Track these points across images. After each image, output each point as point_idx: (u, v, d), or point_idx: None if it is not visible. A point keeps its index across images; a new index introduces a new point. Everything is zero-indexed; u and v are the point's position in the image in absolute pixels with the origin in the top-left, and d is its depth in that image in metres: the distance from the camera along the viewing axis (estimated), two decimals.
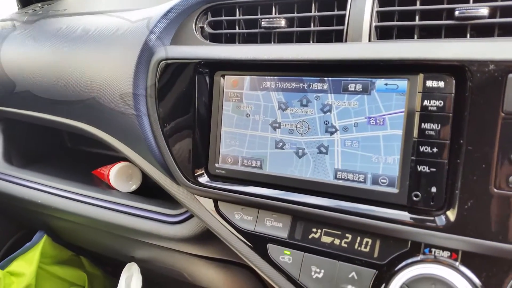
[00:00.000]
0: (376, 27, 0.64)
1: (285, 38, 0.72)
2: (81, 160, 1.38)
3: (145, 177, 1.14)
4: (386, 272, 0.63)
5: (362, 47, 0.62)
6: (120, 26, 0.89)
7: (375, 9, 0.64)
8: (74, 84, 0.92)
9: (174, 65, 0.76)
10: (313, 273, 0.69)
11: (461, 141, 0.56)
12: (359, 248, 0.66)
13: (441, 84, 0.57)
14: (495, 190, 0.54)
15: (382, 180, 0.62)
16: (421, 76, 0.58)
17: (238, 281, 1.07)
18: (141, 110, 0.82)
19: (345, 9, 0.66)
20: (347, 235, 0.67)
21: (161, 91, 0.78)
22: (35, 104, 1.05)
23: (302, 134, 0.68)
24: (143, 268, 1.17)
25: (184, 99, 0.76)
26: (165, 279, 1.30)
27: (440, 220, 0.58)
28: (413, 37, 0.62)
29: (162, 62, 0.77)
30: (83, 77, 0.91)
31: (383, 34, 0.65)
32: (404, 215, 0.60)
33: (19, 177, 1.20)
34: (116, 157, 1.18)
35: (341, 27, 0.66)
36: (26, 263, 1.27)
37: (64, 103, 0.97)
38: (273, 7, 0.73)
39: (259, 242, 0.74)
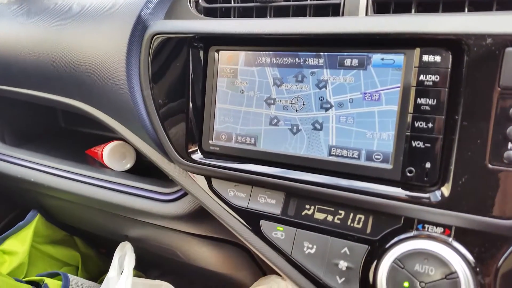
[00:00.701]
0: (373, 1, 0.63)
1: (281, 12, 0.71)
2: (75, 140, 1.38)
3: (140, 156, 1.13)
4: (378, 248, 0.63)
5: (359, 21, 0.61)
6: (113, 1, 0.87)
7: None
8: (67, 60, 0.91)
9: (168, 40, 0.75)
10: (305, 249, 0.68)
11: (457, 117, 0.55)
12: (351, 224, 0.66)
13: (438, 58, 0.56)
14: (490, 165, 0.54)
15: (376, 156, 0.62)
16: (417, 51, 0.57)
17: (232, 259, 1.07)
18: (134, 85, 0.81)
19: None
20: (340, 211, 0.67)
21: (154, 66, 0.77)
22: (28, 82, 1.04)
23: (296, 110, 0.67)
24: (136, 247, 1.17)
25: (178, 75, 0.75)
26: (159, 258, 1.31)
27: (434, 196, 0.57)
28: (410, 12, 0.61)
29: (155, 36, 0.76)
30: (76, 53, 0.90)
31: (380, 8, 0.64)
32: (398, 191, 0.60)
33: (12, 155, 1.20)
34: (111, 138, 1.17)
35: (337, 1, 0.65)
36: (19, 242, 1.27)
37: (57, 80, 0.96)
38: None
39: (252, 219, 0.74)
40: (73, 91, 0.94)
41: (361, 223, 0.65)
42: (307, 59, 0.66)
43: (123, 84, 0.81)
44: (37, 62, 0.98)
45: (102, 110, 0.91)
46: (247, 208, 0.74)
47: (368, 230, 0.64)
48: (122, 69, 0.81)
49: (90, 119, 0.95)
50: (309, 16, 0.68)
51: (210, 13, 0.77)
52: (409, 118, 0.58)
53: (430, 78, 0.57)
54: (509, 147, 0.53)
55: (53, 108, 1.34)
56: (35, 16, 1.01)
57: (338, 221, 0.67)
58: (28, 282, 1.11)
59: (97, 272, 1.48)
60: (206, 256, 1.09)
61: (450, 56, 0.56)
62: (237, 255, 1.06)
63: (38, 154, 1.17)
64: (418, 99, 0.58)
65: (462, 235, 0.58)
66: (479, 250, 0.57)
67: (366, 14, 0.63)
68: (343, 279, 0.66)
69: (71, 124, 1.46)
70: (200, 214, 0.90)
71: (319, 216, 0.68)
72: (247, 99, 0.71)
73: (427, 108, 0.57)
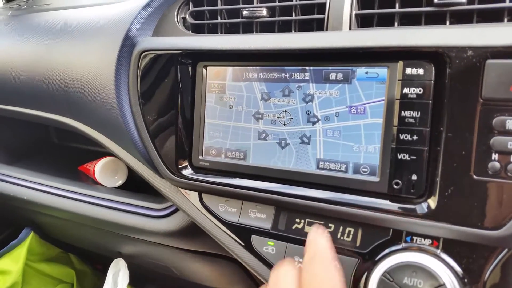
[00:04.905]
0: (356, 15, 0.64)
1: (267, 27, 0.72)
2: (69, 156, 1.37)
3: (132, 171, 1.13)
4: (368, 261, 0.63)
5: (342, 35, 0.62)
6: (102, 19, 0.88)
7: None
8: (57, 78, 0.91)
9: (156, 56, 0.75)
10: (296, 264, 0.68)
11: (441, 128, 0.56)
12: (341, 238, 0.66)
13: (421, 71, 0.57)
14: (475, 176, 0.54)
15: (363, 169, 0.62)
16: (400, 64, 0.58)
17: (225, 274, 1.06)
18: (123, 102, 0.81)
19: None
20: (329, 224, 0.67)
21: (143, 83, 0.77)
22: (19, 100, 1.04)
23: (284, 124, 0.68)
24: (130, 264, 1.16)
25: (167, 91, 0.76)
26: (153, 274, 1.30)
27: (421, 208, 0.58)
28: (393, 25, 0.62)
29: (143, 53, 0.76)
30: (66, 70, 0.90)
31: (363, 22, 0.64)
32: (385, 204, 0.60)
33: (4, 173, 1.19)
34: (104, 153, 1.17)
35: (321, 16, 0.66)
36: (12, 261, 1.26)
37: (48, 97, 0.96)
38: None
39: (243, 234, 0.74)
40: (63, 108, 0.94)
41: (350, 236, 0.65)
42: (293, 73, 0.66)
43: (113, 101, 0.82)
44: (28, 80, 0.98)
45: (92, 127, 0.91)
46: (238, 223, 0.74)
47: (358, 243, 0.64)
48: (111, 86, 0.81)
49: (82, 135, 0.96)
50: (294, 31, 0.69)
51: (197, 29, 0.78)
52: (394, 131, 0.59)
53: (414, 90, 0.57)
54: (493, 158, 0.53)
55: (46, 125, 1.34)
56: (25, 33, 1.01)
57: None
58: None
59: None
60: (200, 271, 1.08)
61: (433, 68, 0.56)
62: (231, 270, 1.05)
63: (31, 171, 1.17)
64: (403, 111, 0.58)
65: (450, 246, 0.58)
66: (467, 261, 0.57)
67: (350, 28, 0.64)
68: None
69: (64, 139, 1.46)
70: (193, 230, 0.90)
71: (309, 229, 0.68)
72: (235, 114, 0.71)
73: (412, 120, 0.57)
